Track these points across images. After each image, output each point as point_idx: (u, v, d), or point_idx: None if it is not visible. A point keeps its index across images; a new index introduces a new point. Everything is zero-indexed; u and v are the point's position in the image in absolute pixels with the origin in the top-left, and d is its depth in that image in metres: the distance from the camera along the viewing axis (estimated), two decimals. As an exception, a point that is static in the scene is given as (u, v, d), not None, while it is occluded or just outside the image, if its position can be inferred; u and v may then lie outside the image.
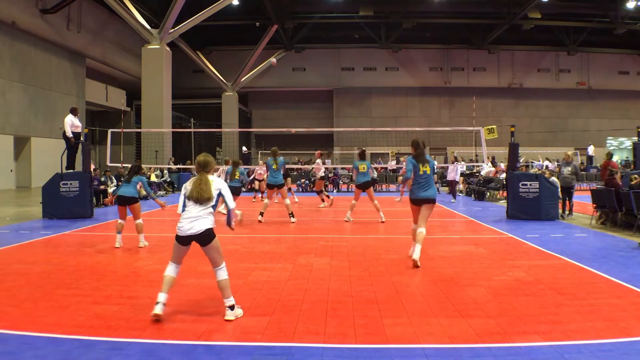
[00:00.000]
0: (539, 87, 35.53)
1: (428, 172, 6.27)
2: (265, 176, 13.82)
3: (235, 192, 10.56)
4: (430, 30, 33.40)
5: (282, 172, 10.45)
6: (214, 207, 4.18)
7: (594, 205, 10.04)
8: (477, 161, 23.79)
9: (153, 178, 18.85)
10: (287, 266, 6.07)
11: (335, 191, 20.09)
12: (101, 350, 3.42)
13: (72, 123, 11.81)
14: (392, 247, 7.47)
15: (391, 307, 4.37)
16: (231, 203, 4.25)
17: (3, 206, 13.85)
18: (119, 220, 7.47)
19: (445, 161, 26.38)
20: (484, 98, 34.79)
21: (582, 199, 14.08)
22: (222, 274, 4.13)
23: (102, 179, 14.90)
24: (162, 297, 4.03)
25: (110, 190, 14.81)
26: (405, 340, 3.60)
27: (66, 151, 12.00)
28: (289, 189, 15.72)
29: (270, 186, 10.44)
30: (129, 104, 31.26)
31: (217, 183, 4.21)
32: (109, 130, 13.86)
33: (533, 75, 35.55)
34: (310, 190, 20.09)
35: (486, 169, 17.61)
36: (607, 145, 35.52)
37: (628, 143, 34.62)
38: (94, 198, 12.79)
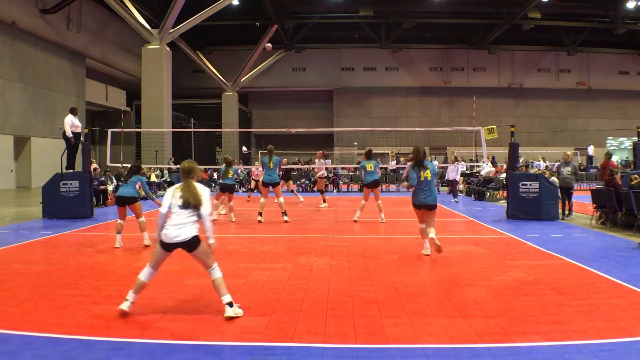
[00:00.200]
0: (539, 87, 35.52)
1: (429, 177, 6.52)
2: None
3: (229, 189, 10.64)
4: (430, 30, 33.39)
5: (277, 171, 10.46)
6: (200, 215, 4.15)
7: (594, 205, 10.04)
8: (477, 161, 23.76)
9: (153, 178, 18.86)
10: (287, 266, 6.07)
11: (335, 191, 20.09)
12: (101, 350, 3.42)
13: (72, 123, 11.81)
14: (392, 247, 7.47)
15: (391, 307, 4.37)
16: (207, 209, 4.17)
17: (3, 206, 13.85)
18: (119, 221, 7.47)
19: (445, 161, 26.37)
20: (484, 98, 34.78)
21: (582, 199, 14.08)
22: (216, 273, 4.14)
23: (102, 178, 14.89)
24: (131, 296, 4.09)
25: (110, 189, 14.81)
26: (405, 340, 3.60)
27: (66, 151, 12.01)
28: (292, 190, 15.78)
29: (265, 184, 10.45)
30: (129, 104, 31.25)
31: (203, 189, 4.22)
32: (109, 130, 13.86)
33: (533, 75, 35.54)
34: (310, 190, 20.12)
35: (486, 169, 17.61)
36: (607, 145, 35.51)
37: (628, 143, 34.62)
38: (94, 198, 12.79)
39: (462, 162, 19.61)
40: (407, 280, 5.38)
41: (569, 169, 11.03)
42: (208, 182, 19.57)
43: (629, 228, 8.96)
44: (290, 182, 15.71)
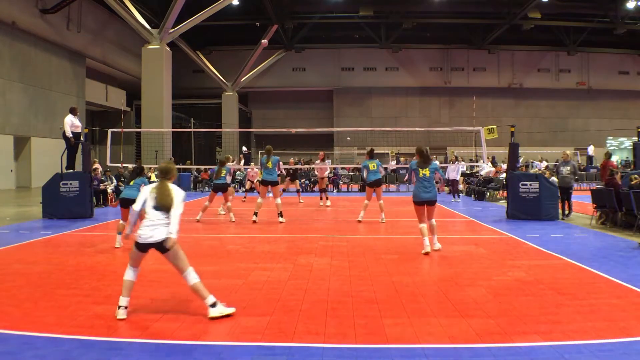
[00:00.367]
0: (539, 87, 35.53)
1: (427, 175, 6.93)
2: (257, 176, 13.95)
3: (222, 188, 10.66)
4: (430, 30, 33.39)
5: (277, 170, 10.47)
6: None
7: (594, 205, 10.03)
8: (476, 161, 23.78)
9: (153, 178, 18.82)
10: (287, 266, 6.07)
11: (335, 191, 20.10)
12: (101, 350, 3.42)
13: (72, 123, 11.81)
14: (392, 247, 7.47)
15: (391, 307, 4.37)
16: (177, 209, 4.11)
17: (3, 206, 13.85)
18: (121, 221, 7.47)
19: (446, 161, 26.37)
20: (484, 98, 34.79)
21: (582, 199, 14.08)
22: (191, 278, 4.10)
23: (102, 178, 14.89)
24: (124, 301, 4.07)
25: (109, 190, 14.82)
26: (405, 340, 3.60)
27: (66, 151, 12.01)
28: (297, 190, 15.85)
29: (264, 183, 10.44)
30: (129, 104, 31.25)
31: (176, 192, 4.20)
32: (109, 130, 13.86)
33: (533, 75, 35.55)
34: (310, 190, 20.13)
35: (486, 169, 17.62)
36: (607, 145, 35.51)
37: (628, 143, 34.61)
38: (94, 198, 12.79)
39: (462, 162, 19.61)
40: (407, 280, 5.38)
41: (568, 168, 11.00)
42: (208, 182, 19.58)
43: (629, 228, 8.96)
44: (297, 181, 15.83)
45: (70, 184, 11.20)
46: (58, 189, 11.15)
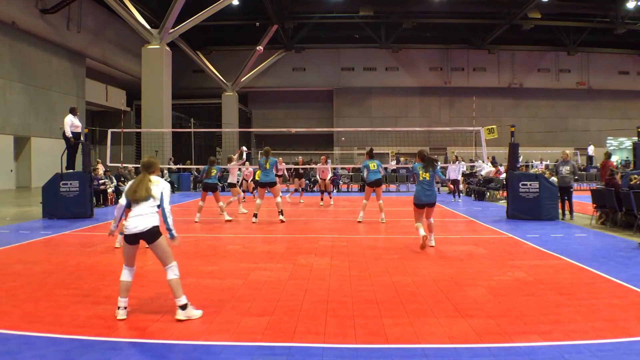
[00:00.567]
0: (539, 87, 35.54)
1: (427, 178, 7.20)
2: (252, 177, 13.98)
3: (212, 188, 10.70)
4: (430, 30, 33.40)
5: (274, 171, 10.50)
6: (159, 206, 4.21)
7: (594, 205, 10.03)
8: (475, 161, 23.76)
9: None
10: (287, 266, 6.07)
11: (335, 191, 20.09)
12: (101, 350, 3.42)
13: (71, 123, 11.81)
14: (392, 247, 7.47)
15: (391, 307, 4.37)
16: (167, 205, 4.22)
17: (3, 206, 13.85)
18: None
19: (446, 161, 26.38)
20: (484, 98, 34.79)
21: (582, 199, 14.08)
22: (171, 273, 4.12)
23: (102, 179, 14.89)
24: (122, 302, 4.08)
25: (110, 190, 14.81)
26: (405, 340, 3.60)
27: (66, 151, 12.01)
28: (301, 190, 15.89)
29: (262, 184, 10.45)
30: (129, 104, 31.26)
31: (161, 184, 4.25)
32: (109, 130, 13.86)
33: (533, 75, 35.55)
34: (310, 190, 20.13)
35: (486, 169, 17.61)
36: (607, 145, 35.53)
37: (628, 143, 34.63)
38: (94, 198, 12.79)
39: (462, 162, 19.62)
40: (407, 280, 5.38)
41: (567, 168, 10.96)
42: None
43: (629, 228, 8.96)
44: (303, 180, 15.88)
45: (70, 184, 11.21)
46: (58, 189, 11.15)
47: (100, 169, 15.09)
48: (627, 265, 6.08)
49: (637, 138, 11.75)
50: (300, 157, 18.67)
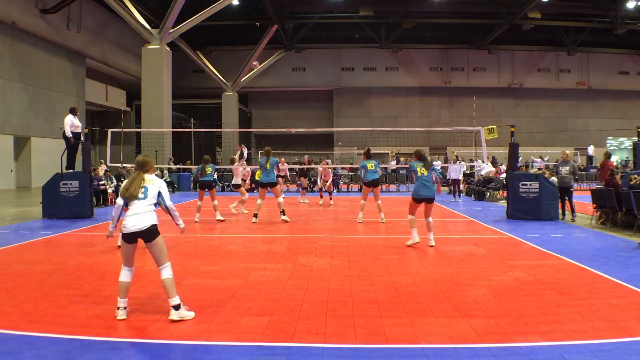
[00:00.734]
0: (539, 87, 35.53)
1: (425, 174, 7.34)
2: (248, 177, 14.00)
3: (208, 186, 10.72)
4: (430, 30, 33.39)
5: (275, 171, 10.50)
6: (157, 204, 4.26)
7: (594, 205, 10.03)
8: (475, 160, 23.77)
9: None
10: (287, 266, 6.07)
11: (335, 191, 20.08)
12: (101, 350, 3.42)
13: (71, 123, 11.81)
14: (392, 247, 7.47)
15: (391, 307, 4.37)
16: (169, 202, 4.32)
17: (3, 206, 13.85)
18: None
19: (446, 161, 26.38)
20: (484, 98, 34.78)
21: (582, 199, 14.08)
22: (166, 272, 4.13)
23: (102, 180, 14.90)
24: (122, 302, 4.09)
25: (110, 190, 14.81)
26: (405, 340, 3.60)
27: (66, 151, 12.01)
28: (304, 188, 15.91)
29: (262, 185, 10.45)
30: (129, 104, 31.25)
31: (157, 182, 4.29)
32: (109, 130, 13.87)
33: (533, 75, 35.55)
34: (310, 190, 20.11)
35: (486, 169, 17.61)
36: (607, 145, 35.53)
37: (628, 143, 34.62)
38: (94, 198, 12.79)
39: (463, 162, 19.63)
40: (407, 280, 5.38)
41: (567, 168, 10.93)
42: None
43: (629, 228, 8.96)
44: (305, 179, 15.91)
45: (70, 184, 11.21)
46: (58, 189, 11.15)
47: (102, 170, 15.09)
48: (627, 265, 6.08)
49: (637, 138, 11.75)
50: (306, 156, 18.70)
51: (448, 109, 35.96)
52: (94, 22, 26.34)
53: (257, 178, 20.04)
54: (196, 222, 10.39)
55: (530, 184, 10.66)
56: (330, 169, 15.01)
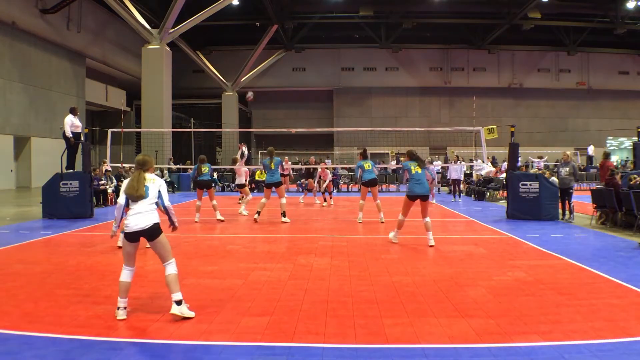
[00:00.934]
0: (539, 87, 35.51)
1: (419, 171, 7.45)
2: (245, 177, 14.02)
3: (206, 185, 10.72)
4: (430, 30, 33.38)
5: (279, 171, 10.50)
6: (158, 204, 4.29)
7: (594, 205, 10.03)
8: (474, 160, 23.77)
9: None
10: (287, 266, 6.07)
11: (335, 191, 20.08)
12: (101, 350, 3.42)
13: (71, 123, 11.81)
14: (392, 247, 7.47)
15: (391, 307, 4.37)
16: (167, 202, 4.35)
17: (3, 206, 13.85)
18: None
19: (446, 161, 26.38)
20: (484, 98, 34.77)
21: (582, 199, 14.07)
22: (171, 268, 4.15)
23: (102, 180, 14.90)
24: (122, 302, 4.09)
25: (110, 190, 14.81)
26: (405, 340, 3.60)
27: (66, 151, 12.01)
28: (310, 190, 15.92)
29: (267, 185, 10.47)
30: (129, 104, 31.25)
31: (158, 181, 4.33)
32: (109, 130, 13.86)
33: (533, 75, 35.54)
34: (319, 190, 20.14)
35: (486, 169, 17.61)
36: (607, 145, 35.52)
37: (628, 143, 34.62)
38: (94, 198, 12.79)
39: (463, 162, 19.63)
40: (407, 280, 5.38)
41: (567, 169, 10.89)
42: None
43: (629, 228, 8.96)
44: (311, 180, 15.93)
45: (70, 184, 11.21)
46: (58, 189, 11.15)
47: (104, 169, 15.09)
48: (627, 265, 6.08)
49: (637, 138, 11.75)
50: (312, 157, 18.72)
51: (448, 109, 35.95)
52: (94, 22, 26.34)
53: (257, 178, 20.13)
54: (196, 222, 10.39)
55: (530, 184, 10.67)
56: (329, 170, 15.02)
